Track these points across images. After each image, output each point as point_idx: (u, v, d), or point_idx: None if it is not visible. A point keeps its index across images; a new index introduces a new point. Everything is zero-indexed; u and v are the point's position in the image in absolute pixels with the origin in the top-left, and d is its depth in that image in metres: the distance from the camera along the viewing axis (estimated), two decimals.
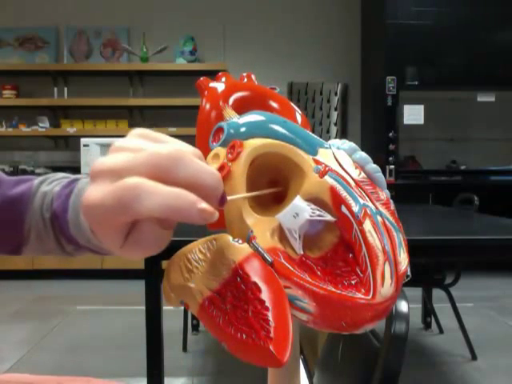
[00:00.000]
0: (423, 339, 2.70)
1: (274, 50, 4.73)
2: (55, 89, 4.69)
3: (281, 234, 0.34)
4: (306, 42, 4.74)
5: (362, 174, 0.36)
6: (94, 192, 0.29)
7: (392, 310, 0.64)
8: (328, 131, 4.64)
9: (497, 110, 4.35)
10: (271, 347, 0.28)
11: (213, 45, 4.68)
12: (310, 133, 0.39)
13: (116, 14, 4.69)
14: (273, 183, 0.38)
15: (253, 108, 0.41)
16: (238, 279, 0.31)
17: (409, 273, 0.35)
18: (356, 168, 0.36)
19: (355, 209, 0.34)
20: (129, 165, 0.29)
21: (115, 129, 4.44)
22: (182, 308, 0.34)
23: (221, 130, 0.38)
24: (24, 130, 4.37)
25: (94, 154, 4.16)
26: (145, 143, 0.31)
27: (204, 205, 0.28)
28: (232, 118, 0.40)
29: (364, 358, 0.76)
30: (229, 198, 0.34)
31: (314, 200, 0.35)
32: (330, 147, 0.38)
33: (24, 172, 4.45)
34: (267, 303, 0.30)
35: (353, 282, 0.32)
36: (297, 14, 4.73)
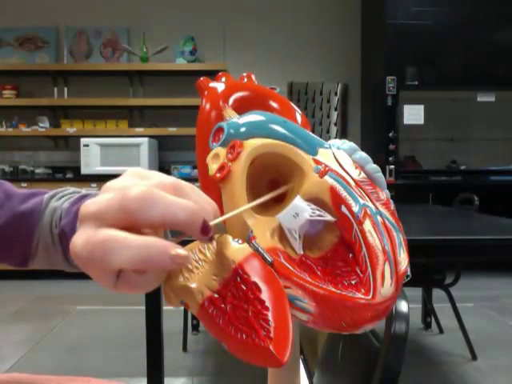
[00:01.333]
0: (423, 339, 2.70)
1: (274, 50, 4.73)
2: (55, 89, 4.69)
3: (281, 234, 0.34)
4: (306, 41, 4.74)
5: (362, 174, 0.36)
6: (77, 240, 0.30)
7: (392, 310, 0.64)
8: (328, 131, 4.64)
9: (497, 110, 4.35)
10: (271, 347, 0.28)
11: (213, 45, 4.68)
12: (310, 133, 0.39)
13: (116, 14, 4.69)
14: (273, 183, 0.38)
15: (253, 108, 0.41)
16: (238, 279, 0.31)
17: (409, 273, 0.35)
18: (356, 168, 0.36)
19: (355, 209, 0.34)
20: (105, 210, 0.30)
21: (115, 129, 4.44)
22: (182, 308, 0.34)
23: (221, 130, 0.38)
24: (24, 130, 4.37)
25: (93, 154, 4.16)
26: (130, 181, 0.32)
27: (175, 250, 0.29)
28: (232, 117, 0.40)
29: (364, 358, 0.76)
30: (230, 213, 0.34)
31: (314, 200, 0.35)
32: (330, 147, 0.38)
33: (24, 172, 4.45)
34: (267, 303, 0.30)
35: (353, 282, 0.32)
36: (297, 13, 4.73)
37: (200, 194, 0.34)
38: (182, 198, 0.31)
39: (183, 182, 0.34)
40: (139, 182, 0.32)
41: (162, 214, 0.30)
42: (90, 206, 0.31)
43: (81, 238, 0.30)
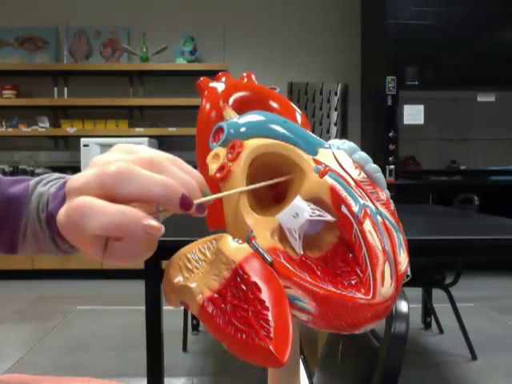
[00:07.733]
0: (423, 339, 2.69)
1: (274, 50, 4.73)
2: (55, 89, 4.69)
3: (281, 234, 0.34)
4: (305, 42, 4.74)
5: (362, 174, 0.36)
6: (61, 210, 0.33)
7: (392, 310, 0.64)
8: (328, 131, 4.63)
9: (497, 110, 4.35)
10: (271, 347, 0.28)
11: (213, 45, 4.68)
12: (310, 133, 0.39)
13: (116, 14, 4.68)
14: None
15: (253, 108, 0.41)
16: (238, 279, 0.31)
17: (409, 273, 0.35)
18: (356, 168, 0.36)
19: (355, 209, 0.34)
20: (87, 184, 0.32)
21: (115, 129, 4.44)
22: (182, 308, 0.34)
23: (221, 130, 0.38)
24: (24, 130, 4.37)
25: (93, 153, 4.16)
26: (114, 156, 0.33)
27: (148, 221, 0.30)
28: (232, 117, 0.40)
29: (364, 358, 0.76)
30: (224, 193, 0.34)
31: (314, 200, 0.35)
32: (330, 147, 0.38)
33: (24, 172, 4.44)
34: (267, 303, 0.30)
35: (353, 282, 0.32)
36: (297, 14, 4.73)
37: (183, 167, 0.35)
38: (160, 173, 0.33)
39: (165, 157, 0.34)
40: (123, 157, 0.33)
41: (137, 190, 0.31)
42: (74, 181, 0.33)
43: (64, 208, 0.32)
